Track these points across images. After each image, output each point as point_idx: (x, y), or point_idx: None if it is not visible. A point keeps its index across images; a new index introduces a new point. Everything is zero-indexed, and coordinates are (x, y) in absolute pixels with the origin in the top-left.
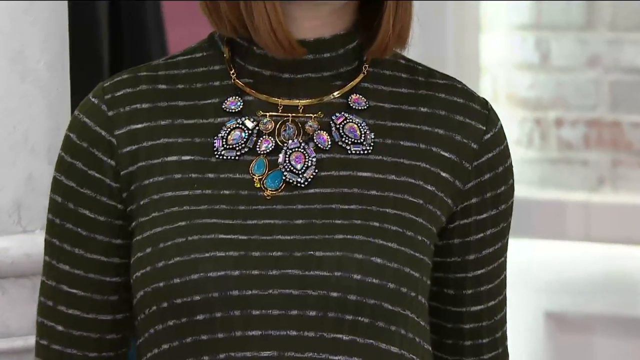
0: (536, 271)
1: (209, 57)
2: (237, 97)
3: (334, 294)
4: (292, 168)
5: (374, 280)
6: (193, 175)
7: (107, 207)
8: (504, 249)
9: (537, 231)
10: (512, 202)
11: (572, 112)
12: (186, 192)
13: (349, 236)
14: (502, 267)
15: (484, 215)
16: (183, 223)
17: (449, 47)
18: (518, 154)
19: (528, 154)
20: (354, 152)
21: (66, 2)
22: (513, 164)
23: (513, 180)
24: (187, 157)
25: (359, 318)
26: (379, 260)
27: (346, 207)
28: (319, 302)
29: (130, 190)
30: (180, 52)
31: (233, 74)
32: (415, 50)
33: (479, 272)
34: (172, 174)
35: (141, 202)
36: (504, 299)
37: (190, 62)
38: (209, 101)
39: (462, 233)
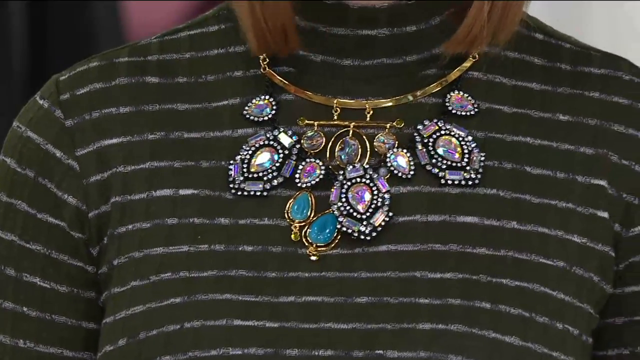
0: None
1: (228, 32)
2: (267, 97)
3: None
4: (351, 210)
5: None
6: (196, 221)
7: (70, 270)
8: None
9: None
10: None
11: None
12: (184, 248)
13: (440, 325)
14: None
15: None
16: (178, 300)
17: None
18: None
19: None
20: (451, 182)
21: None
22: None
23: None
24: (188, 191)
25: None
26: None
27: (438, 275)
28: None
29: (103, 243)
30: (185, 25)
31: (264, 59)
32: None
33: None
34: (163, 217)
35: (115, 262)
36: None
37: (199, 41)
38: (225, 102)
39: (630, 308)
